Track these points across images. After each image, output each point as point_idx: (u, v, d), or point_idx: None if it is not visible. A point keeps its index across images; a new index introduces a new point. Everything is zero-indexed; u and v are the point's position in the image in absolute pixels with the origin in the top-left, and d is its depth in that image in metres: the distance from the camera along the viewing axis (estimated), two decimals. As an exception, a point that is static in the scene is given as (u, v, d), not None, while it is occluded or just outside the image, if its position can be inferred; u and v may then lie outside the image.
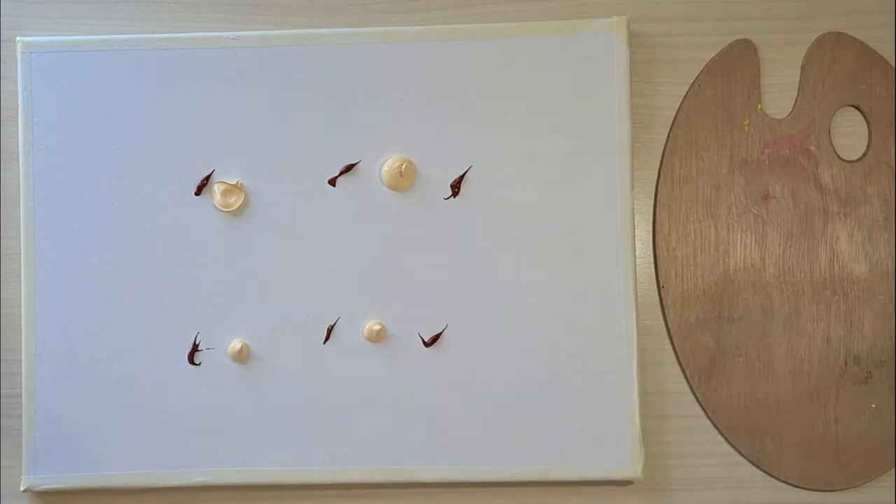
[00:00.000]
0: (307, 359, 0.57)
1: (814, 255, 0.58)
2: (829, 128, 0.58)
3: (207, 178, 0.57)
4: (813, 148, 0.58)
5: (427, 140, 0.57)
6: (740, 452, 0.58)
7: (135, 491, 0.58)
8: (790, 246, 0.58)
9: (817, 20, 0.59)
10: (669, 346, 0.59)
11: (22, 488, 0.57)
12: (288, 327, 0.57)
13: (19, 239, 0.58)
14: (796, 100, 0.59)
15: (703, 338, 0.58)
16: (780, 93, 0.59)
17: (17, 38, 0.58)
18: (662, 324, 0.59)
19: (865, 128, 0.59)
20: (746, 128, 0.58)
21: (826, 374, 0.58)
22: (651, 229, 0.59)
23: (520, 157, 0.57)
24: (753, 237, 0.58)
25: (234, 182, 0.57)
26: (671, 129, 0.59)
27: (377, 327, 0.57)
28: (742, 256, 0.58)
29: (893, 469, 0.58)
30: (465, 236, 0.57)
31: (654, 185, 0.59)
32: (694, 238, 0.58)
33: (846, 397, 0.57)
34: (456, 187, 0.57)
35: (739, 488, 0.58)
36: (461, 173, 0.57)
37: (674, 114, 0.59)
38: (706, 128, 0.58)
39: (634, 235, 0.57)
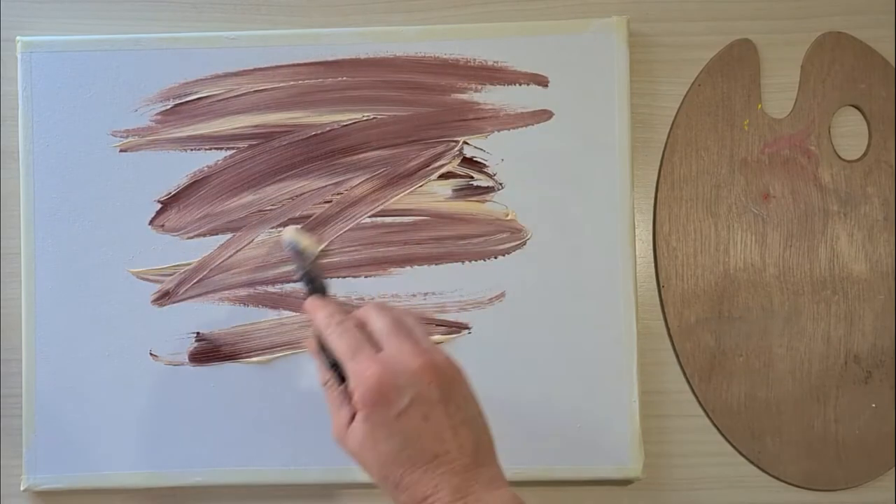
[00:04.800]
0: (308, 358, 0.57)
1: (814, 255, 0.58)
2: (829, 128, 0.58)
3: (207, 177, 0.57)
4: (813, 148, 0.58)
5: (427, 140, 0.58)
6: (740, 452, 0.58)
7: (135, 491, 0.58)
8: (790, 246, 0.58)
9: (817, 20, 0.59)
10: (669, 346, 0.59)
11: (22, 488, 0.57)
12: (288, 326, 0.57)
13: (19, 239, 0.58)
14: (796, 100, 0.59)
15: (703, 337, 0.58)
16: (780, 93, 0.59)
17: (17, 37, 0.58)
18: (662, 324, 0.59)
19: (865, 128, 0.59)
20: (746, 127, 0.58)
21: (826, 374, 0.58)
22: (651, 229, 0.59)
23: (520, 156, 0.57)
24: (753, 237, 0.58)
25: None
26: (671, 128, 0.59)
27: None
28: (742, 256, 0.58)
29: (893, 469, 0.58)
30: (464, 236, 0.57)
31: (654, 184, 0.59)
32: (694, 238, 0.58)
33: (846, 397, 0.57)
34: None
35: (739, 488, 0.58)
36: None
37: (674, 113, 0.59)
38: (706, 127, 0.58)
39: (634, 235, 0.57)
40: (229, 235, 0.58)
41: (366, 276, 0.57)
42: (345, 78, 0.57)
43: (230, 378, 0.57)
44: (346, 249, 0.57)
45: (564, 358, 0.56)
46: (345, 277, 0.57)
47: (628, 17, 0.57)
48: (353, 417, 0.41)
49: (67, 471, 0.57)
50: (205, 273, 0.57)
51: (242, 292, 0.57)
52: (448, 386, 0.41)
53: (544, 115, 0.57)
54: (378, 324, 0.43)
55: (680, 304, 0.58)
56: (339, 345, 0.42)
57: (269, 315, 0.57)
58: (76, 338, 0.57)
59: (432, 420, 0.40)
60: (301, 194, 0.57)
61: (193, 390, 0.57)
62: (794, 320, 0.58)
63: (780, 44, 0.59)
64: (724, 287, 0.58)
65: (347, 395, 0.42)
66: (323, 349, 0.44)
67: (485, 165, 0.57)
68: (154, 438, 0.57)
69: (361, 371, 0.40)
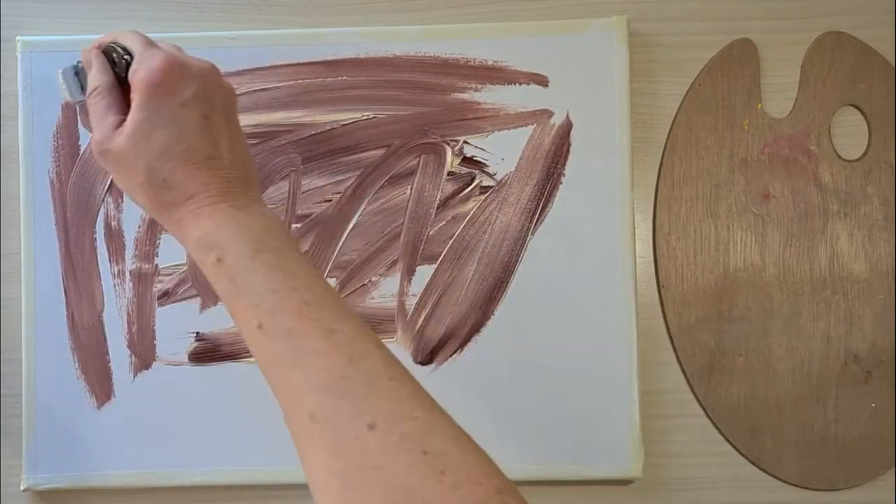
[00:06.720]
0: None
1: (814, 255, 0.58)
2: (829, 127, 0.58)
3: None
4: (813, 147, 0.58)
5: (427, 140, 0.58)
6: (740, 452, 0.58)
7: (135, 491, 0.58)
8: (790, 245, 0.58)
9: (817, 20, 0.59)
10: (669, 346, 0.59)
11: (22, 488, 0.57)
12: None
13: (19, 239, 0.58)
14: (796, 99, 0.59)
15: (703, 337, 0.58)
16: (780, 92, 0.59)
17: (17, 37, 0.58)
18: (662, 323, 0.59)
19: (865, 127, 0.59)
20: (746, 127, 0.58)
21: (826, 373, 0.58)
22: (651, 229, 0.59)
23: (520, 156, 0.57)
24: (753, 236, 0.58)
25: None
26: (671, 128, 0.59)
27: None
28: (742, 256, 0.58)
29: (893, 469, 0.58)
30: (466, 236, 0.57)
31: (654, 184, 0.59)
32: (694, 237, 0.58)
33: (846, 397, 0.57)
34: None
35: (739, 488, 0.58)
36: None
37: (674, 113, 0.59)
38: (706, 127, 0.58)
39: (634, 235, 0.57)
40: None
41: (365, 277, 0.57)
42: (345, 77, 0.57)
43: (230, 378, 0.57)
44: (345, 249, 0.57)
45: (564, 358, 0.56)
46: (339, 278, 0.57)
47: (628, 17, 0.57)
48: (121, 123, 0.41)
49: (67, 471, 0.57)
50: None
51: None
52: (230, 101, 0.43)
53: (544, 114, 0.57)
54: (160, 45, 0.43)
55: (680, 304, 0.58)
56: (132, 38, 0.42)
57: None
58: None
59: (212, 122, 0.40)
60: (301, 193, 0.57)
61: (193, 390, 0.57)
62: (793, 320, 0.58)
63: (780, 44, 0.59)
64: (724, 287, 0.58)
65: (119, 101, 0.42)
66: (106, 55, 0.43)
67: (485, 165, 0.57)
68: (154, 438, 0.57)
69: (150, 57, 0.40)
